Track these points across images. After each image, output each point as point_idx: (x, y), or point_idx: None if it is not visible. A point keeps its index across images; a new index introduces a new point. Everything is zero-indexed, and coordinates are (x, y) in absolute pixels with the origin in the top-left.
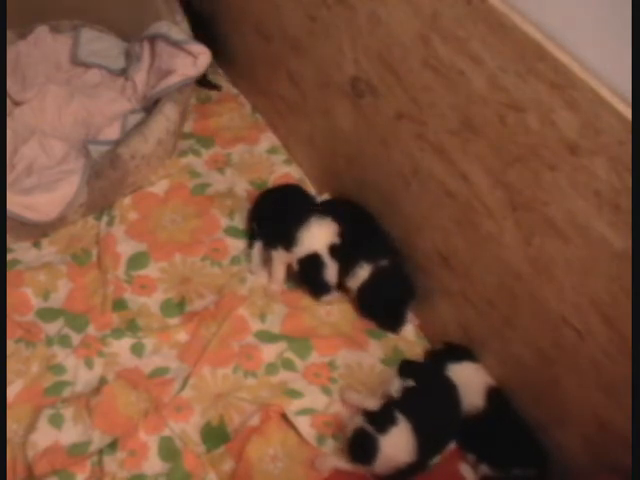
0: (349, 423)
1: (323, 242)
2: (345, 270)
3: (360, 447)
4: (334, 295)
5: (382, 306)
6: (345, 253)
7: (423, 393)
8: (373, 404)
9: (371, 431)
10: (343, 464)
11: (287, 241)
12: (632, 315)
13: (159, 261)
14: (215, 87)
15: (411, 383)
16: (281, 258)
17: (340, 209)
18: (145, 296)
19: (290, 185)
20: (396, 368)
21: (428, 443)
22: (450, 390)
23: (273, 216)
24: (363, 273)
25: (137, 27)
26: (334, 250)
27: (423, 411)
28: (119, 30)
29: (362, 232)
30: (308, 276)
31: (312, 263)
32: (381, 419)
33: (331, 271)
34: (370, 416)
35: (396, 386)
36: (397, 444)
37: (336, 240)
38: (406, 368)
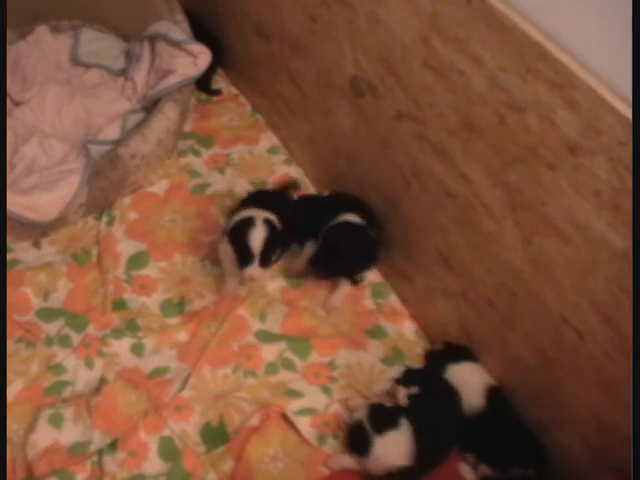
0: (357, 410)
1: (259, 213)
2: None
3: (355, 440)
4: (257, 271)
5: (340, 253)
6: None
7: (430, 402)
8: None
9: (368, 428)
10: (353, 464)
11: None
12: (632, 315)
13: (159, 261)
14: (216, 92)
15: (415, 390)
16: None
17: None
18: (145, 296)
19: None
20: (400, 376)
21: (428, 453)
22: (454, 400)
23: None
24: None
25: (137, 27)
26: (269, 222)
27: (427, 420)
28: (119, 30)
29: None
30: (236, 241)
31: (243, 225)
32: (382, 420)
33: (258, 237)
34: (371, 412)
35: (402, 394)
36: (391, 447)
37: (272, 217)
38: (410, 376)
